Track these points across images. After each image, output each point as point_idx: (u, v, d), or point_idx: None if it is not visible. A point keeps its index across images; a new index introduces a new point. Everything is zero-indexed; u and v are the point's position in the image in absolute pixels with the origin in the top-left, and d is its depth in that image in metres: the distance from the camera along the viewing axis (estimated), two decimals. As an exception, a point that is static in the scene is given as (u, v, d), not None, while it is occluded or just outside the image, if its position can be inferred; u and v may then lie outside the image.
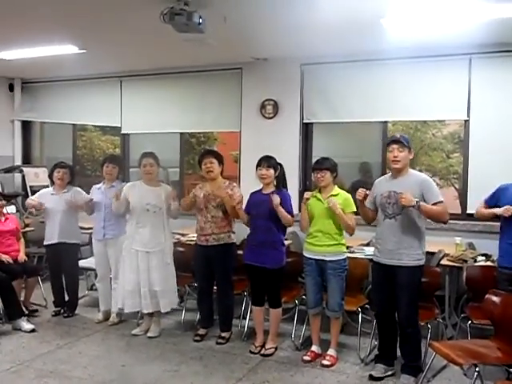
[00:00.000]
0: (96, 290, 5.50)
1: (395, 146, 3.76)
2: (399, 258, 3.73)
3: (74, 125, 7.90)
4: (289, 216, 4.25)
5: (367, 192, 3.86)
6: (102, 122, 7.86)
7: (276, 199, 4.15)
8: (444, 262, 4.55)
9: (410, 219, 3.72)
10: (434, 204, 3.67)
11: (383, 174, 5.76)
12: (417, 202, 3.59)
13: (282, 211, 4.18)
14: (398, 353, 3.99)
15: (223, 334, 4.67)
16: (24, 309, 5.09)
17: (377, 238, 3.94)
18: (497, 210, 3.88)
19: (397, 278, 3.75)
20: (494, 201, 4.00)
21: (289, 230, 4.81)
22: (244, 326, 4.79)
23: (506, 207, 3.82)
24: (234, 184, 4.71)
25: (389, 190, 3.79)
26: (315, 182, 4.26)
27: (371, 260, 4.72)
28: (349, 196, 4.20)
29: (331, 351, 4.26)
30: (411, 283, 3.74)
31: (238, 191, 4.60)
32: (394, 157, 3.75)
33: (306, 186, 6.11)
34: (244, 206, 4.50)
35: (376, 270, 3.97)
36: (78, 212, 5.35)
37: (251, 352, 4.39)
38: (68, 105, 7.54)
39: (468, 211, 5.43)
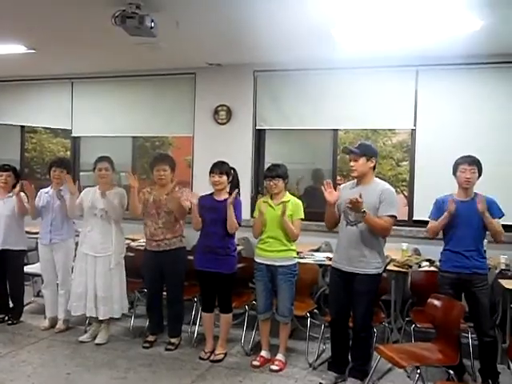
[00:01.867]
0: (42, 296, 5.36)
1: (351, 156, 3.84)
2: (359, 265, 3.77)
3: (22, 126, 7.69)
4: (234, 222, 4.22)
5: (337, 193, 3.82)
6: (51, 125, 7.69)
7: (230, 199, 4.16)
8: (390, 267, 4.66)
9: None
10: (386, 216, 3.72)
11: (334, 180, 5.93)
12: (363, 211, 3.64)
13: (232, 214, 4.19)
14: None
15: (172, 340, 4.64)
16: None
17: (337, 244, 3.97)
18: (446, 213, 3.90)
19: (355, 285, 3.80)
20: (438, 215, 4.04)
21: (240, 235, 4.85)
22: (194, 332, 4.77)
23: (449, 207, 3.87)
24: (184, 188, 4.70)
25: (351, 198, 3.80)
26: (268, 189, 4.29)
27: (321, 265, 4.84)
28: (299, 202, 4.25)
29: (280, 356, 4.29)
30: (369, 291, 3.80)
31: (189, 193, 4.63)
32: (351, 166, 3.83)
33: (258, 191, 6.15)
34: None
35: (334, 277, 3.99)
36: (23, 216, 5.20)
37: (200, 358, 4.38)
38: (16, 106, 7.33)
39: (414, 218, 5.61)
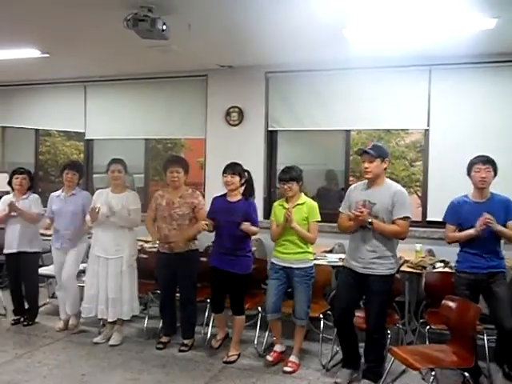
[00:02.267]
0: (57, 297, 5.40)
1: (365, 157, 3.80)
2: (372, 267, 3.77)
3: (36, 130, 7.77)
4: (255, 229, 4.27)
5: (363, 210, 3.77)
6: (65, 128, 7.76)
7: (246, 228, 4.19)
8: (404, 268, 4.63)
9: None
10: (399, 219, 3.71)
11: (347, 181, 5.91)
12: (369, 222, 3.67)
13: (250, 230, 4.23)
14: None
15: (186, 342, 4.65)
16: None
17: (350, 245, 3.96)
18: (472, 231, 3.85)
19: (369, 286, 3.79)
20: (454, 218, 4.01)
21: (254, 237, 4.81)
22: (207, 333, 4.78)
23: (478, 224, 3.79)
24: (198, 192, 4.70)
25: (363, 200, 3.81)
26: (282, 192, 4.28)
27: (334, 267, 4.82)
28: (315, 205, 4.23)
29: (293, 358, 4.28)
30: (382, 292, 3.80)
31: (202, 200, 4.63)
32: (365, 168, 3.79)
33: (270, 193, 6.15)
34: (207, 212, 4.50)
35: (345, 277, 3.98)
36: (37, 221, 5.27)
37: (212, 347, 4.43)
38: (31, 109, 7.42)
39: (428, 218, 5.58)
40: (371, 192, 3.81)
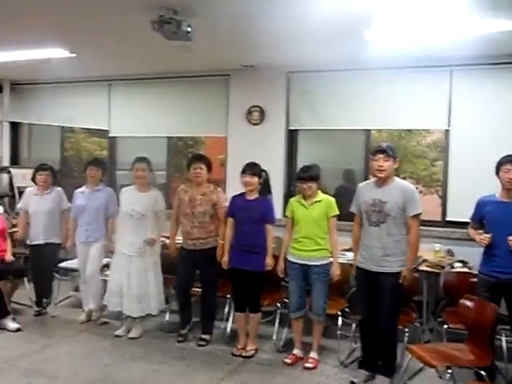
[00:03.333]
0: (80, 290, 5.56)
1: (381, 155, 3.84)
2: (383, 264, 3.82)
3: (62, 126, 7.95)
4: (271, 243, 4.41)
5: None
6: (90, 125, 7.87)
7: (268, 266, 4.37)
8: (422, 267, 4.66)
9: (394, 226, 3.82)
10: (413, 217, 3.79)
11: (366, 180, 5.93)
12: (403, 277, 3.80)
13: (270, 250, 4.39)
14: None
15: (204, 336, 4.74)
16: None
17: (362, 244, 4.00)
18: (476, 237, 3.96)
19: (380, 284, 3.84)
20: (477, 217, 4.06)
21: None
22: (226, 328, 4.88)
23: (482, 236, 3.89)
24: (219, 189, 4.79)
25: (373, 198, 3.87)
26: (301, 191, 4.34)
27: (352, 265, 4.86)
28: (332, 200, 4.30)
29: (313, 354, 4.35)
30: (394, 289, 3.83)
31: (223, 196, 4.72)
32: (379, 166, 3.83)
33: (290, 191, 6.21)
34: (227, 211, 4.59)
35: (360, 277, 4.04)
36: (60, 213, 5.44)
37: (233, 354, 4.47)
38: (57, 107, 7.58)
39: (448, 218, 5.58)
40: (381, 191, 3.87)
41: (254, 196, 4.44)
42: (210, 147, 9.18)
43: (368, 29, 4.40)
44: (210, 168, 4.72)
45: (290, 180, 6.27)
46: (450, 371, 3.36)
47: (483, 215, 4.00)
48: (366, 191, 3.99)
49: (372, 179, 4.08)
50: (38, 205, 5.34)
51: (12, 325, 4.92)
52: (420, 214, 3.84)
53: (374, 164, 3.88)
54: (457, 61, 5.35)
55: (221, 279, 4.83)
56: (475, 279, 4.14)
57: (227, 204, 4.63)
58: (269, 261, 4.37)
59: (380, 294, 3.86)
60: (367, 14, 4.07)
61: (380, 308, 3.89)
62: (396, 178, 3.97)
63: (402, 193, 3.82)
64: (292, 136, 6.35)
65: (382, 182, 3.90)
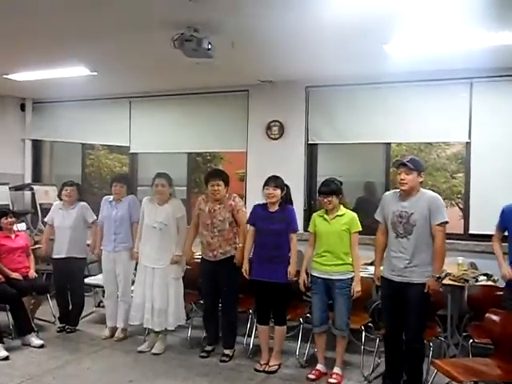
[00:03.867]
0: (103, 306, 5.59)
1: (402, 168, 3.87)
2: (410, 275, 3.82)
3: (82, 144, 8.06)
4: (296, 247, 4.40)
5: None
6: (111, 142, 8.00)
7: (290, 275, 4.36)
8: (446, 281, 4.60)
9: (422, 238, 3.81)
10: (439, 225, 3.78)
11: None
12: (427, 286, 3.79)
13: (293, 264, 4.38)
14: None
15: (226, 352, 4.72)
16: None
17: (389, 255, 3.98)
18: (502, 267, 3.99)
19: (407, 295, 3.83)
20: (503, 224, 4.07)
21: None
22: (249, 344, 4.86)
23: (507, 271, 3.94)
24: (234, 194, 4.81)
25: (399, 210, 3.88)
26: (322, 205, 4.34)
27: (374, 275, 4.82)
28: (354, 215, 4.29)
29: (337, 369, 4.31)
30: (422, 300, 3.82)
31: (239, 201, 4.75)
32: (401, 179, 3.86)
33: (310, 205, 6.21)
34: (247, 218, 4.62)
35: (385, 287, 4.03)
36: (86, 228, 5.49)
37: (256, 370, 4.45)
38: (78, 124, 7.69)
39: (470, 231, 5.53)
40: (407, 203, 3.88)
41: (276, 208, 4.45)
42: (228, 162, 9.24)
43: (387, 42, 4.42)
44: (227, 183, 4.74)
45: (310, 194, 6.27)
46: (477, 387, 3.30)
47: (506, 223, 3.98)
48: (392, 202, 3.99)
49: (398, 190, 4.07)
50: (63, 219, 5.40)
51: (36, 341, 4.96)
52: (446, 222, 3.83)
53: (398, 177, 3.90)
54: (477, 73, 5.33)
55: (242, 295, 4.83)
56: (501, 292, 4.11)
57: (245, 209, 4.67)
58: (291, 270, 4.35)
59: (407, 305, 3.84)
60: (386, 28, 4.10)
61: (407, 320, 3.87)
62: (422, 189, 3.96)
63: (427, 202, 3.83)
64: (312, 150, 6.36)
65: (406, 195, 3.90)
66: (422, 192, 3.92)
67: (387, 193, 4.23)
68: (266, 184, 4.45)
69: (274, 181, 4.44)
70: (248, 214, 4.65)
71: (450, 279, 4.65)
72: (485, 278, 4.69)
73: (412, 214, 3.80)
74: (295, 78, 5.98)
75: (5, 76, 6.10)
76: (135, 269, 5.13)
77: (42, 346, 4.92)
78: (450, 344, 4.71)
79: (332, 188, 4.25)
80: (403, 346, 3.96)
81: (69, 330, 5.41)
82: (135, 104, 7.31)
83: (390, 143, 6.10)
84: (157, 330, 4.84)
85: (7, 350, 4.75)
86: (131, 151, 7.47)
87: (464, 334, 4.41)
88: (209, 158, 9.76)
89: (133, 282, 5.12)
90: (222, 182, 4.70)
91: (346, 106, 6.05)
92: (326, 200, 4.24)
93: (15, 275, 5.18)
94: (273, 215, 4.41)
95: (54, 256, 5.45)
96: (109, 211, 5.26)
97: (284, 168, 5.60)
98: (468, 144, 5.58)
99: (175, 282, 4.84)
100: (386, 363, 4.10)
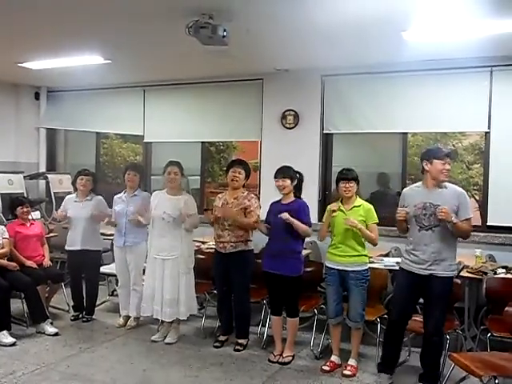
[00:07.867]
0: (117, 295, 5.61)
1: (448, 159, 3.80)
2: (437, 268, 3.77)
3: (97, 133, 8.06)
4: (305, 227, 4.27)
5: (406, 210, 3.89)
6: (125, 131, 7.98)
7: (284, 216, 4.20)
8: (463, 273, 4.54)
9: (448, 231, 3.77)
10: (465, 220, 3.75)
11: (403, 184, 5.82)
12: (452, 221, 3.68)
13: (297, 224, 4.23)
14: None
15: (240, 341, 4.72)
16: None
17: (411, 248, 3.92)
18: None
19: (431, 288, 3.80)
20: None
21: (308, 239, 4.87)
22: (263, 334, 4.84)
23: None
24: (252, 195, 4.76)
25: (424, 202, 3.81)
26: (341, 192, 4.26)
27: (390, 271, 4.78)
28: (371, 207, 4.23)
29: (352, 361, 4.28)
30: (444, 293, 3.80)
31: (256, 202, 4.68)
32: (447, 170, 3.79)
33: (325, 195, 6.15)
34: (265, 216, 4.55)
35: (403, 279, 3.99)
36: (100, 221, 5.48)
37: (270, 361, 4.43)
38: (92, 113, 7.68)
39: (488, 223, 5.43)
40: (433, 194, 3.81)
41: (290, 200, 4.40)
42: (242, 152, 9.19)
43: (406, 29, 4.32)
44: (248, 175, 4.73)
45: (324, 184, 6.21)
46: (497, 382, 3.23)
47: None
48: (415, 195, 3.92)
49: (417, 183, 4.02)
50: (79, 211, 5.37)
51: (50, 329, 4.98)
52: (471, 217, 3.82)
53: (441, 167, 3.79)
54: (497, 61, 5.21)
55: (255, 285, 4.80)
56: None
57: (259, 212, 4.62)
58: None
59: (429, 298, 3.82)
60: (404, 15, 4.01)
61: (427, 313, 3.84)
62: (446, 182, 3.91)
63: (457, 196, 3.79)
64: (327, 140, 6.29)
65: (432, 186, 3.84)
66: (449, 185, 3.87)
67: (406, 189, 4.17)
68: (275, 176, 4.41)
69: (283, 172, 4.39)
70: (260, 210, 4.64)
71: (467, 271, 4.59)
72: (503, 270, 4.61)
73: (438, 206, 3.72)
74: (311, 66, 5.89)
75: (19, 64, 6.08)
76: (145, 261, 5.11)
77: (56, 334, 4.94)
78: (467, 337, 4.65)
79: (353, 175, 4.22)
80: (403, 335, 4.00)
81: (84, 320, 5.43)
82: (149, 93, 7.28)
83: (406, 133, 6.01)
84: (168, 320, 4.82)
85: (22, 337, 4.79)
86: (145, 140, 7.45)
87: (482, 327, 4.35)
88: (222, 147, 9.72)
89: (144, 272, 5.11)
90: (243, 171, 4.70)
91: (362, 95, 5.96)
92: (347, 185, 4.18)
93: (30, 263, 5.20)
94: (284, 208, 4.34)
95: (68, 248, 5.45)
96: (121, 206, 5.24)
97: (299, 158, 5.54)
98: (487, 134, 5.47)
99: (186, 272, 4.81)
100: (384, 351, 4.10)
